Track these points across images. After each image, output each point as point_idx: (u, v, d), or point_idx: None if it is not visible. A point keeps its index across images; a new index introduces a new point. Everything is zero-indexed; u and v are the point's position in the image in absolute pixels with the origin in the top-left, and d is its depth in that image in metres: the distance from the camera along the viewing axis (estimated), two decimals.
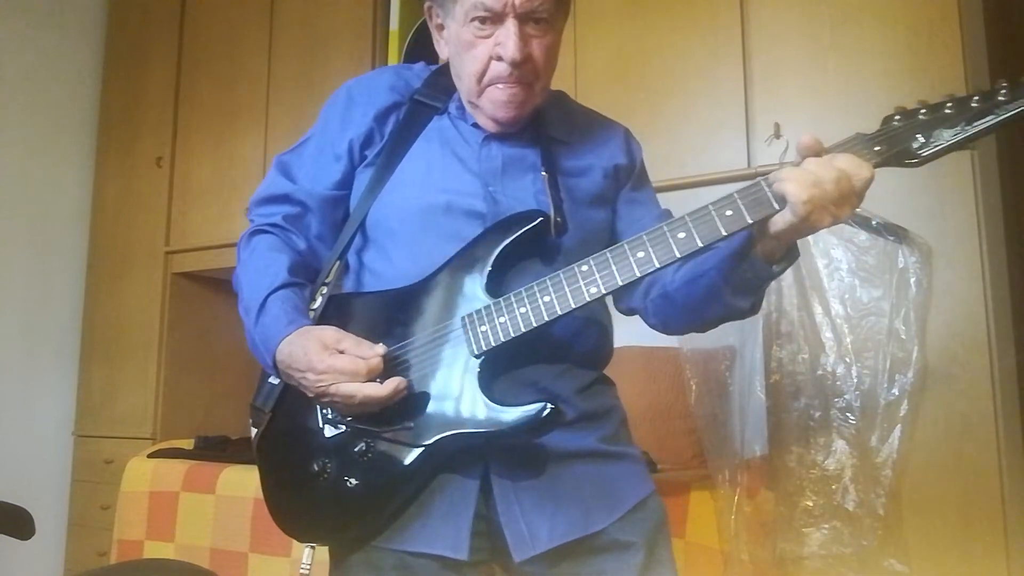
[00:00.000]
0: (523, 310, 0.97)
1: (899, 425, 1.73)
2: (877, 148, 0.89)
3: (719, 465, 1.78)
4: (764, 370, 1.84)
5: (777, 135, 1.97)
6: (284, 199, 1.17)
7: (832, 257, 1.85)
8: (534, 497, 1.02)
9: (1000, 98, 0.84)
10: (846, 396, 1.79)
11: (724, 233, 0.90)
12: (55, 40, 3.35)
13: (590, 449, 1.08)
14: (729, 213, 0.90)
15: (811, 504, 1.77)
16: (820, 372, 1.82)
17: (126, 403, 3.11)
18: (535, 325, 0.97)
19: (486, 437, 0.98)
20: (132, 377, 3.11)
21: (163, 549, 2.34)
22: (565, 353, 1.08)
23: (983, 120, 0.85)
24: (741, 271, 0.97)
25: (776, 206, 0.87)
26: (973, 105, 0.86)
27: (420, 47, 2.68)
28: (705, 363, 1.91)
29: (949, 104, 0.87)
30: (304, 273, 1.14)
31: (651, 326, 1.17)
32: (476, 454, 1.01)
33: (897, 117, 0.89)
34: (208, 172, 3.07)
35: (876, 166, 0.88)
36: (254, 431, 1.12)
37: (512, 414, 0.97)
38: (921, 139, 0.87)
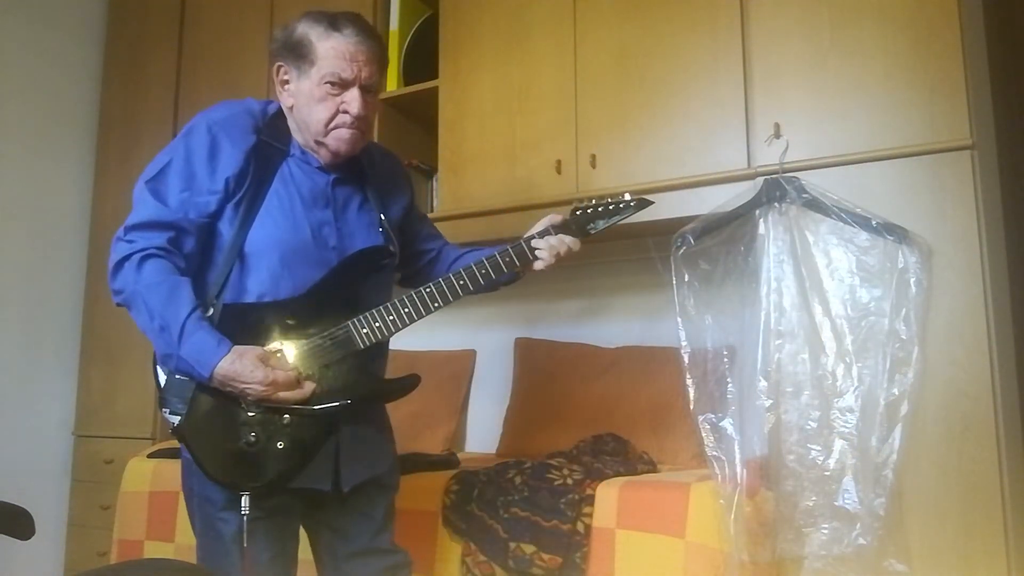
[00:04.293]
0: (391, 318, 1.47)
1: (899, 425, 1.72)
2: (573, 228, 1.57)
3: (719, 465, 1.78)
4: (764, 370, 1.84)
5: (777, 135, 1.97)
6: (164, 225, 1.41)
7: (832, 257, 1.85)
8: (357, 449, 1.50)
9: (624, 205, 1.58)
10: (846, 396, 1.78)
11: (505, 271, 1.55)
12: (55, 40, 3.36)
13: (382, 422, 1.62)
14: (507, 260, 1.54)
15: (811, 504, 1.77)
16: (820, 372, 1.82)
17: (126, 403, 3.11)
18: (401, 328, 1.48)
19: (368, 400, 1.50)
20: (132, 377, 3.11)
21: (163, 549, 2.34)
22: (384, 359, 1.61)
23: (615, 218, 1.59)
24: (498, 280, 1.60)
25: (532, 258, 1.55)
26: (610, 208, 1.58)
27: (420, 47, 2.68)
28: (705, 363, 1.90)
29: (600, 207, 1.58)
30: (196, 291, 1.39)
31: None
32: (335, 422, 1.45)
33: (578, 211, 1.59)
34: None
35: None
36: (176, 419, 1.40)
37: (396, 383, 1.52)
38: (592, 225, 1.59)
